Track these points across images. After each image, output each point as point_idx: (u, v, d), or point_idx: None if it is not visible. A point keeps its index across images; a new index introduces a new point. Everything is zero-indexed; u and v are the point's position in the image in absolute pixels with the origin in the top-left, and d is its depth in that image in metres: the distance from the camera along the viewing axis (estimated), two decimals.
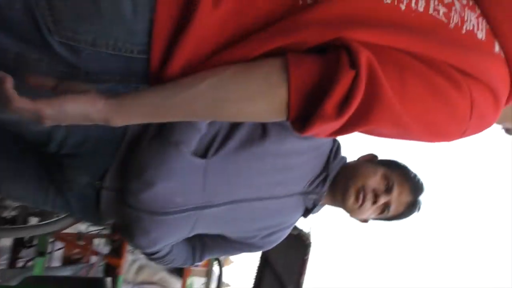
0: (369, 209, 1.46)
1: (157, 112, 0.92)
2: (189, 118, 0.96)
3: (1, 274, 3.22)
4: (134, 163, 1.29)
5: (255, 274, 5.16)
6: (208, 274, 3.84)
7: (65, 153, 1.30)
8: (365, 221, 1.57)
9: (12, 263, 3.38)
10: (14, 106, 0.86)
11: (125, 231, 1.38)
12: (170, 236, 1.40)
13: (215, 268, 3.68)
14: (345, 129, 0.92)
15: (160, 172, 1.26)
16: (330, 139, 1.49)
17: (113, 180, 1.32)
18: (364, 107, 0.87)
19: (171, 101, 0.90)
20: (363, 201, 1.43)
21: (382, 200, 1.44)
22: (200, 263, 4.03)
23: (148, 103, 0.91)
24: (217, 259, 3.37)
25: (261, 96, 0.89)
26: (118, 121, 0.91)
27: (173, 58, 0.91)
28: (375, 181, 1.45)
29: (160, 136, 1.28)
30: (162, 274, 4.26)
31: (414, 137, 1.01)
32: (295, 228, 2.66)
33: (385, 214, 1.49)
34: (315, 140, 1.42)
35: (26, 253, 3.49)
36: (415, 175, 1.53)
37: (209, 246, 1.61)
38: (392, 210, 1.48)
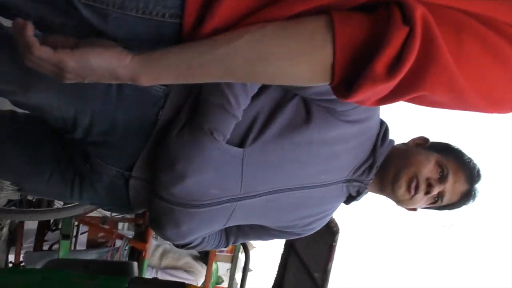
0: (421, 200, 1.33)
1: (190, 70, 0.83)
2: (224, 78, 0.86)
3: (26, 257, 3.23)
4: (164, 153, 1.18)
5: (279, 261, 5.11)
6: (234, 260, 3.77)
7: (91, 140, 1.23)
8: (414, 210, 1.44)
9: (37, 246, 3.38)
10: (34, 55, 0.79)
11: (154, 223, 1.29)
12: (203, 229, 1.31)
13: (241, 254, 3.61)
14: (394, 95, 0.81)
15: (193, 164, 1.15)
16: (377, 123, 1.35)
17: (142, 170, 1.25)
18: (419, 68, 0.76)
19: (206, 57, 0.81)
20: (416, 191, 1.30)
21: (436, 190, 1.31)
22: (225, 249, 3.97)
23: (180, 60, 0.82)
24: (243, 245, 3.31)
25: (303, 55, 0.80)
26: (145, 80, 0.83)
27: (207, 20, 0.82)
28: (428, 169, 1.32)
29: (192, 123, 1.16)
30: (186, 259, 4.21)
31: (469, 105, 0.89)
32: None
33: (437, 204, 1.36)
34: (362, 124, 1.28)
35: (51, 236, 3.49)
36: (471, 161, 1.38)
37: (245, 231, 1.52)
38: (446, 200, 1.35)
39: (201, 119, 1.15)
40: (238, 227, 1.51)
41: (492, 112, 0.93)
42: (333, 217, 3.63)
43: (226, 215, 1.27)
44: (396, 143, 1.42)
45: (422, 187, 1.31)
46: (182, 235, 1.28)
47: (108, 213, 3.33)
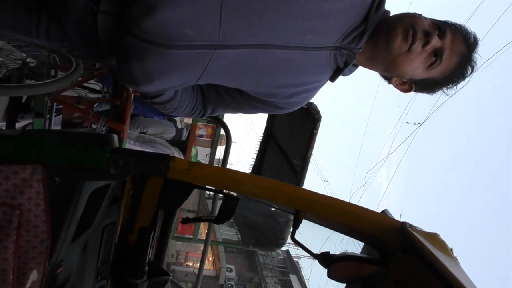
0: (420, 55, 1.23)
1: None
2: None
3: None
4: None
5: (258, 149, 5.16)
6: (213, 145, 3.76)
7: None
8: (408, 89, 1.35)
9: (9, 125, 3.26)
10: None
11: (122, 62, 1.19)
12: (175, 77, 1.20)
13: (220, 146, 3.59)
14: None
15: None
16: None
17: (111, 4, 1.13)
18: None
19: None
20: (413, 39, 1.20)
21: (435, 41, 1.21)
22: (205, 134, 3.93)
23: None
24: (223, 125, 3.26)
25: None
26: None
27: None
28: (425, 23, 1.23)
29: None
30: (163, 141, 4.15)
31: None
32: None
33: (436, 65, 1.25)
34: None
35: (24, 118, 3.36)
36: (468, 30, 1.29)
37: (225, 99, 1.41)
38: (445, 59, 1.25)
39: None
40: (218, 94, 1.41)
41: None
42: (315, 104, 3.60)
43: (201, 65, 1.17)
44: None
45: (420, 35, 1.21)
46: (149, 77, 1.18)
47: (83, 93, 3.20)
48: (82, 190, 1.22)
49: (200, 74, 1.20)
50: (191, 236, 4.63)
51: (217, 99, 1.42)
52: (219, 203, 4.02)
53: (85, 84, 3.88)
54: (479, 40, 1.30)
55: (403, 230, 1.29)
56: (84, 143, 1.27)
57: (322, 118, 3.59)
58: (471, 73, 1.31)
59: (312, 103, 3.49)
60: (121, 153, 1.22)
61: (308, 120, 3.59)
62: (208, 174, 1.29)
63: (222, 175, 1.29)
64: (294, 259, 25.17)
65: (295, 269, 24.80)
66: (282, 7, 1.12)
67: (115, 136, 1.36)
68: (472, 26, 1.31)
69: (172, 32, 1.09)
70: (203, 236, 4.30)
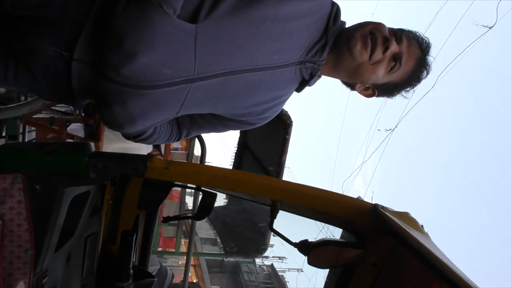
0: (382, 62, 1.31)
1: None
2: None
3: None
4: (110, 30, 1.09)
5: (233, 160, 5.20)
6: (189, 158, 3.79)
7: (23, 13, 1.11)
8: (371, 94, 1.43)
9: None
10: None
11: (103, 108, 1.21)
12: (156, 114, 1.24)
13: (196, 151, 3.63)
14: None
15: (143, 40, 1.08)
16: (328, 2, 1.32)
17: (85, 51, 1.14)
18: None
19: None
20: (374, 46, 1.28)
21: (393, 46, 1.30)
22: (180, 147, 3.95)
23: None
24: (199, 139, 3.30)
25: None
26: None
27: None
28: (383, 29, 1.31)
29: None
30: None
31: None
32: None
33: (396, 69, 1.34)
34: (314, 0, 1.26)
35: None
36: (421, 35, 1.40)
37: (198, 122, 1.46)
38: (404, 63, 1.34)
39: None
40: (191, 118, 1.46)
41: None
42: (286, 109, 3.67)
43: (180, 99, 1.21)
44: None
45: (380, 41, 1.29)
46: (132, 119, 1.21)
47: (57, 112, 3.20)
48: (63, 197, 1.24)
49: (179, 107, 1.24)
50: (173, 250, 4.62)
51: (191, 123, 1.47)
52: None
53: (56, 108, 3.87)
54: (432, 44, 1.40)
55: (376, 211, 1.36)
56: (62, 150, 1.30)
57: (294, 125, 3.67)
58: (426, 75, 1.42)
59: (283, 109, 3.56)
60: (99, 157, 1.26)
61: (280, 126, 3.67)
62: (186, 171, 1.33)
63: (199, 171, 1.34)
64: (279, 273, 25.03)
65: (281, 283, 24.63)
66: (250, 34, 1.19)
67: (92, 143, 1.39)
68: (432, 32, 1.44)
69: (151, 74, 1.12)
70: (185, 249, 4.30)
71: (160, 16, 1.07)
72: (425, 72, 1.41)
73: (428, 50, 1.39)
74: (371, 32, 1.29)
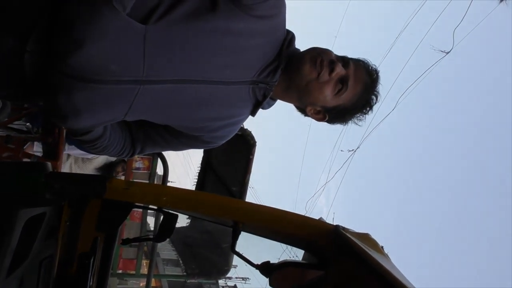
0: (328, 82, 1.36)
1: None
2: None
3: None
4: (62, 20, 1.12)
5: (196, 181, 5.16)
6: (151, 178, 3.74)
7: None
8: (322, 118, 1.47)
9: None
10: None
11: (50, 100, 1.21)
12: (102, 110, 1.24)
13: (159, 170, 3.58)
14: None
15: (90, 29, 1.10)
16: (283, 27, 1.38)
17: (38, 42, 1.15)
18: None
19: None
20: (321, 67, 1.34)
21: (339, 68, 1.36)
22: (142, 166, 3.89)
23: None
24: (161, 158, 3.26)
25: None
26: None
27: None
28: (330, 55, 1.38)
29: None
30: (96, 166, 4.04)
31: None
32: (240, 128, 2.60)
33: (343, 91, 1.39)
34: (269, 21, 1.30)
35: None
36: (369, 63, 1.46)
37: (153, 138, 1.47)
38: (350, 86, 1.39)
39: None
40: (145, 133, 1.47)
41: None
42: (250, 130, 3.69)
43: (128, 100, 1.22)
44: None
45: (326, 63, 1.35)
46: (76, 112, 1.20)
47: (13, 130, 3.10)
48: (16, 218, 1.19)
49: (127, 109, 1.25)
50: (134, 272, 4.50)
51: (145, 138, 1.48)
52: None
53: (12, 126, 3.76)
54: (380, 73, 1.47)
55: (337, 232, 1.36)
56: (17, 170, 1.25)
57: (258, 145, 3.68)
58: (375, 102, 1.47)
59: (246, 129, 3.58)
60: (56, 177, 1.22)
61: (244, 146, 3.68)
62: (147, 192, 1.31)
63: (160, 193, 1.32)
64: None
65: None
66: (201, 45, 1.22)
67: (49, 163, 1.35)
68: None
69: (98, 68, 1.14)
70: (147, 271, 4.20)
71: (109, 10, 1.10)
72: (374, 99, 1.46)
73: (377, 78, 1.45)
74: (319, 54, 1.35)
